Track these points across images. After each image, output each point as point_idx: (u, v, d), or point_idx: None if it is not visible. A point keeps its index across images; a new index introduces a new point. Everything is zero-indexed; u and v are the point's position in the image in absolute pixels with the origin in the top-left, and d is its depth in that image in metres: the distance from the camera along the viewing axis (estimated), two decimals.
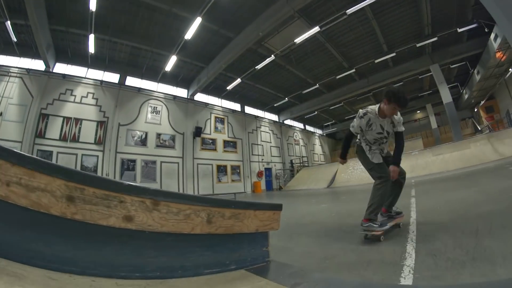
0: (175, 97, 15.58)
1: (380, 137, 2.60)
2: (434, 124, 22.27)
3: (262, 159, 20.43)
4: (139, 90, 14.07)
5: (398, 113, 2.50)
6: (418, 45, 14.30)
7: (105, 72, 13.35)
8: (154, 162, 13.63)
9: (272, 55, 13.64)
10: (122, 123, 13.05)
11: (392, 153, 2.66)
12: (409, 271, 1.49)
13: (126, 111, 13.34)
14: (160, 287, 1.19)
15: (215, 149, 16.96)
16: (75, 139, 11.45)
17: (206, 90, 17.09)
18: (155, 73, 14.61)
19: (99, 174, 11.54)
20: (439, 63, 15.57)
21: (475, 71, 16.56)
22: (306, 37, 12.14)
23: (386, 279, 1.46)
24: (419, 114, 27.25)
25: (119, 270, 1.21)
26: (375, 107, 2.54)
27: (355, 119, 2.65)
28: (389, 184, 2.50)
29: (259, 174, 19.60)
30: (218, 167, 16.73)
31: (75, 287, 1.03)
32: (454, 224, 2.35)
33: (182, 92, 16.42)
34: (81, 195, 1.15)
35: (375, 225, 2.30)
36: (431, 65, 15.71)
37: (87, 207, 1.15)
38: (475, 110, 23.57)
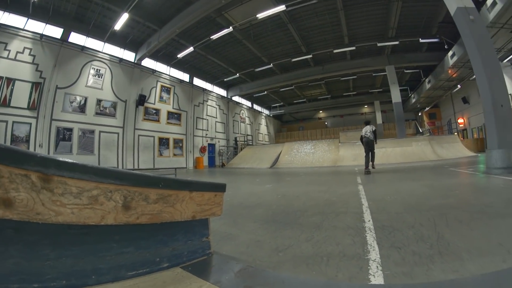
0: (121, 60, 13.93)
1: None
2: (379, 120, 24.25)
3: (206, 134, 19.80)
4: (83, 49, 12.29)
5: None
6: (379, 44, 15.01)
7: (47, 25, 11.34)
8: (92, 132, 12.25)
9: (231, 27, 12.95)
10: (60, 85, 11.40)
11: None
12: (377, 266, 1.36)
13: (66, 72, 11.64)
14: None
15: (158, 120, 15.89)
16: (6, 103, 9.69)
17: (155, 56, 15.72)
18: (102, 32, 12.84)
19: (31, 144, 10.18)
20: (395, 65, 16.68)
21: (427, 80, 18.24)
22: (270, 14, 11.80)
23: (354, 277, 1.28)
24: (366, 109, 29.44)
25: (7, 280, 0.84)
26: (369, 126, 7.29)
27: (369, 129, 7.20)
28: None
29: (202, 150, 19.05)
30: (160, 139, 15.78)
31: None
32: (410, 215, 2.34)
33: (129, 56, 14.74)
34: None
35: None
36: (387, 66, 16.77)
37: None
38: (419, 114, 26.39)
